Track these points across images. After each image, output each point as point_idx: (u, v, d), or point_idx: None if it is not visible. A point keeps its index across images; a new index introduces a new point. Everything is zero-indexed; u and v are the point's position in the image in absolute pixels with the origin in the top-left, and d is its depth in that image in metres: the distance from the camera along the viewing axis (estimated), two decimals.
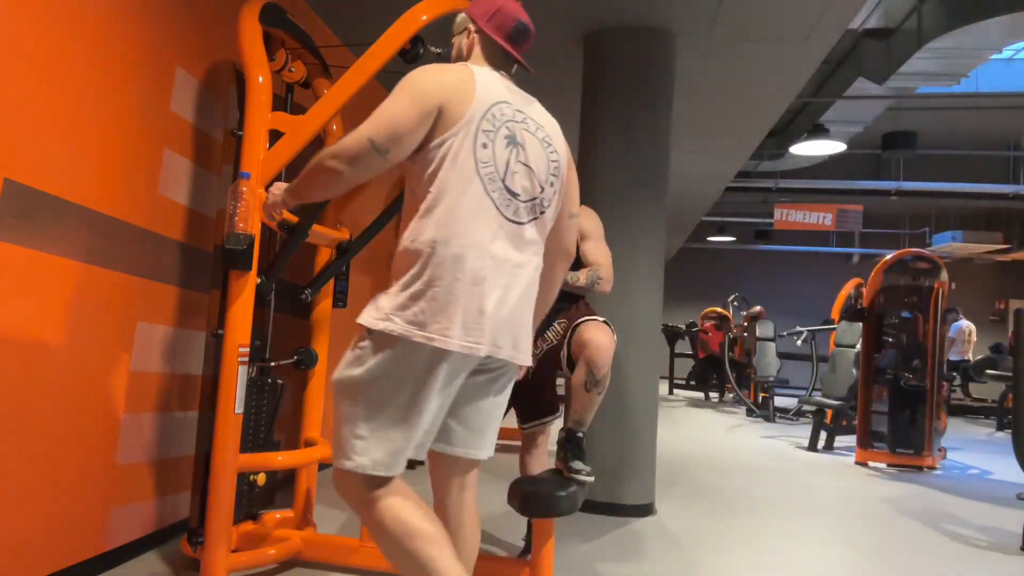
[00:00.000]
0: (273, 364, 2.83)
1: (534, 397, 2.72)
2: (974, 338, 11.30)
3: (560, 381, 2.76)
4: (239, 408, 2.34)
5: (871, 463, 6.13)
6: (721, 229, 15.16)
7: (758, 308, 10.95)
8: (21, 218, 2.08)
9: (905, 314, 6.28)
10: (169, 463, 2.87)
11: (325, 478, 4.05)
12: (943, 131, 10.82)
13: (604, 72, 4.20)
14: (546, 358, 2.67)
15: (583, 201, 2.84)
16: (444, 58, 1.92)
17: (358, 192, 2.84)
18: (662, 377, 6.36)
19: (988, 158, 11.70)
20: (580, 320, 2.55)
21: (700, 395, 12.27)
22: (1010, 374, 4.21)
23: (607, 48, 4.19)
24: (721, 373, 11.32)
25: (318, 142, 2.67)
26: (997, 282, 15.66)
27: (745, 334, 11.27)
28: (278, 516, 2.94)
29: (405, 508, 1.60)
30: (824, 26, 4.05)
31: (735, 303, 12.74)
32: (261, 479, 2.79)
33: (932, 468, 6.02)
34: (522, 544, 2.96)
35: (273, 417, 2.83)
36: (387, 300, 1.61)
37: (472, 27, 1.84)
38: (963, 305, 11.86)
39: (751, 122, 5.99)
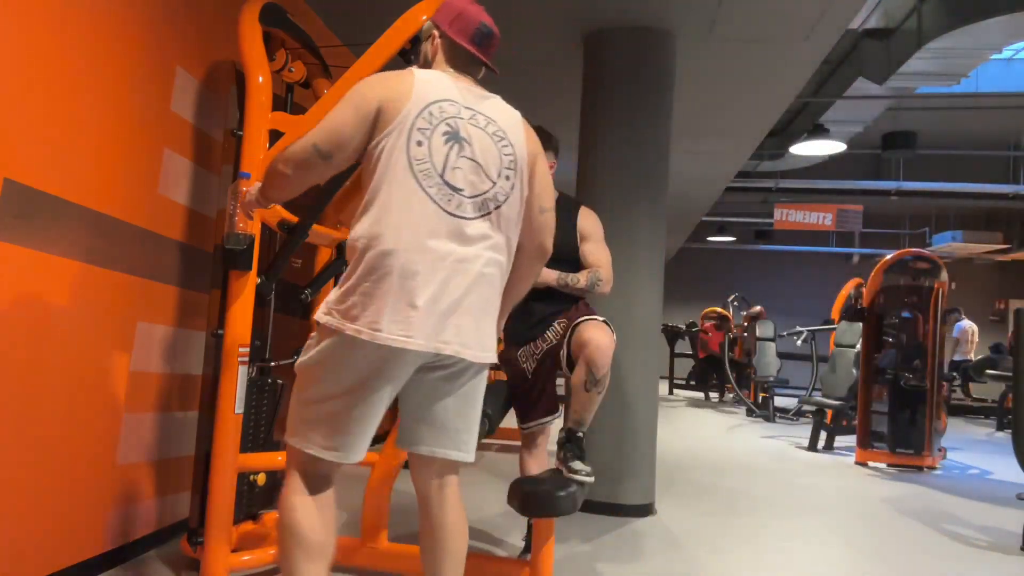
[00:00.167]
0: (273, 364, 2.83)
1: (534, 397, 2.72)
2: (976, 338, 11.30)
3: (560, 381, 2.76)
4: (239, 408, 2.34)
5: (871, 463, 6.14)
6: (721, 229, 15.16)
7: (758, 308, 10.96)
8: (21, 218, 2.08)
9: (905, 314, 6.29)
10: (169, 463, 2.87)
11: None
12: (943, 131, 10.82)
13: (604, 72, 4.20)
14: (546, 358, 2.67)
15: (583, 201, 2.86)
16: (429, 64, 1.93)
17: (358, 192, 2.84)
18: (662, 377, 6.36)
19: (988, 158, 11.70)
20: (580, 320, 2.55)
21: (700, 395, 12.27)
22: (1010, 374, 4.21)
23: (607, 48, 4.19)
24: (721, 373, 11.32)
25: None
26: (997, 282, 15.66)
27: (745, 334, 11.28)
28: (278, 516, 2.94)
29: (307, 511, 1.68)
30: (824, 26, 4.05)
31: (735, 303, 12.74)
32: (261, 479, 2.79)
33: (932, 468, 6.02)
34: (522, 544, 2.96)
35: (273, 417, 2.83)
36: (332, 295, 1.71)
37: (436, 32, 1.88)
38: (963, 305, 11.87)
39: (751, 122, 5.99)
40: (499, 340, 2.00)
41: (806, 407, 8.70)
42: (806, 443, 6.92)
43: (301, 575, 1.64)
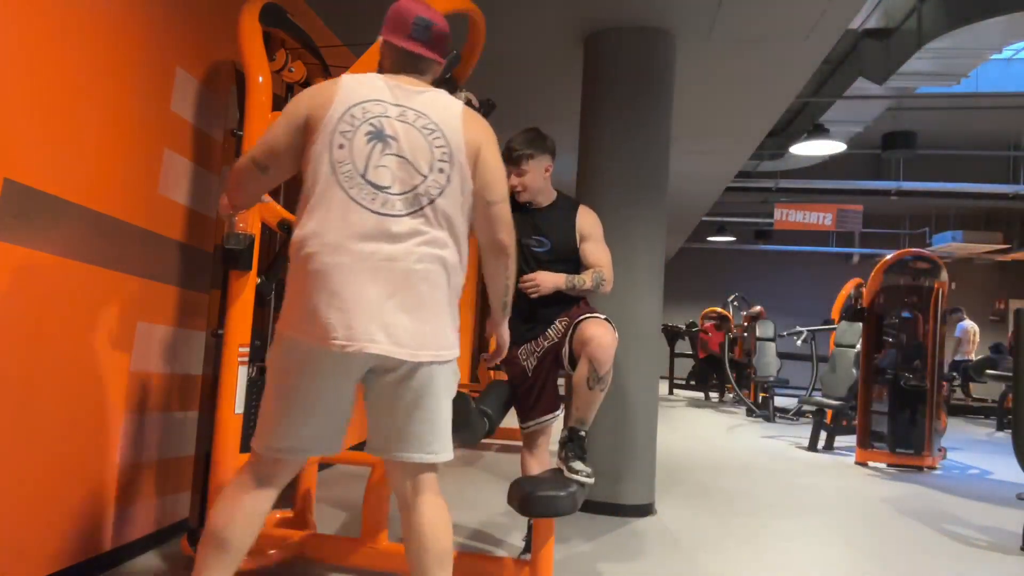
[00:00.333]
0: None
1: (534, 396, 2.72)
2: (978, 339, 11.31)
3: (561, 380, 2.76)
4: (239, 408, 2.34)
5: (871, 463, 6.14)
6: (721, 229, 15.15)
7: (758, 308, 10.95)
8: (21, 218, 2.08)
9: (905, 314, 6.29)
10: (169, 463, 2.87)
11: (325, 478, 4.06)
12: (943, 131, 10.82)
13: (604, 72, 4.20)
14: (547, 356, 2.67)
15: (583, 201, 2.86)
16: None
17: None
18: (662, 377, 6.36)
19: (988, 158, 11.69)
20: (581, 317, 2.55)
21: (700, 395, 12.27)
22: (1010, 374, 4.22)
23: (607, 48, 4.19)
24: (721, 373, 11.32)
25: None
26: (997, 282, 15.66)
27: (745, 334, 11.27)
28: (278, 516, 2.94)
29: (227, 505, 1.75)
30: (824, 26, 4.05)
31: (735, 303, 12.74)
32: None
33: (932, 468, 6.02)
34: (522, 544, 2.96)
35: None
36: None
37: (381, 41, 1.90)
38: (963, 305, 11.87)
39: (751, 122, 5.99)
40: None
41: (806, 407, 8.70)
42: (806, 443, 6.92)
43: (200, 561, 1.72)
